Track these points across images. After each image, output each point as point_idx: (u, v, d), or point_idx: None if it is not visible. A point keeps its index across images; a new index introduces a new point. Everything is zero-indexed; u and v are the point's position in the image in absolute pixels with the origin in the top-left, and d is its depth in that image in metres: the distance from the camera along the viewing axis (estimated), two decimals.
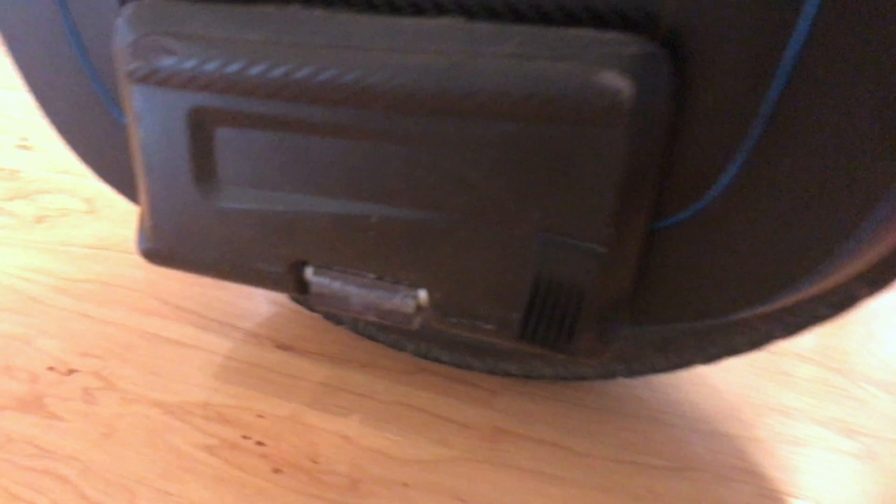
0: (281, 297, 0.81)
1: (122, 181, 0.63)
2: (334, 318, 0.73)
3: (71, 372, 0.71)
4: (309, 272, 0.55)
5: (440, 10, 0.43)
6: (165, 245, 0.57)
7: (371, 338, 0.72)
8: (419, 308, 0.53)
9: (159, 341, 0.74)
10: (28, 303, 0.79)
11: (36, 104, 0.66)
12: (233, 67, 0.46)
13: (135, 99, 0.51)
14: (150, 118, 0.51)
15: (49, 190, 1.02)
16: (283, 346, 0.74)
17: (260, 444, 0.65)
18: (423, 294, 0.52)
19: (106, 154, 0.62)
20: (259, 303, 0.78)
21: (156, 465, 0.63)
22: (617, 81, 0.38)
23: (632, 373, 0.65)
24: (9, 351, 0.73)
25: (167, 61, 0.48)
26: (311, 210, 0.51)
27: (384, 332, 0.71)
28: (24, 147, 1.15)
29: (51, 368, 0.71)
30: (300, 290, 0.56)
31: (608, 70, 0.38)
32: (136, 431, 0.66)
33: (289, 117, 0.47)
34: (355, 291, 0.53)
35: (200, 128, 0.50)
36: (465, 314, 0.50)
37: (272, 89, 0.46)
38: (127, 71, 0.50)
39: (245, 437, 0.65)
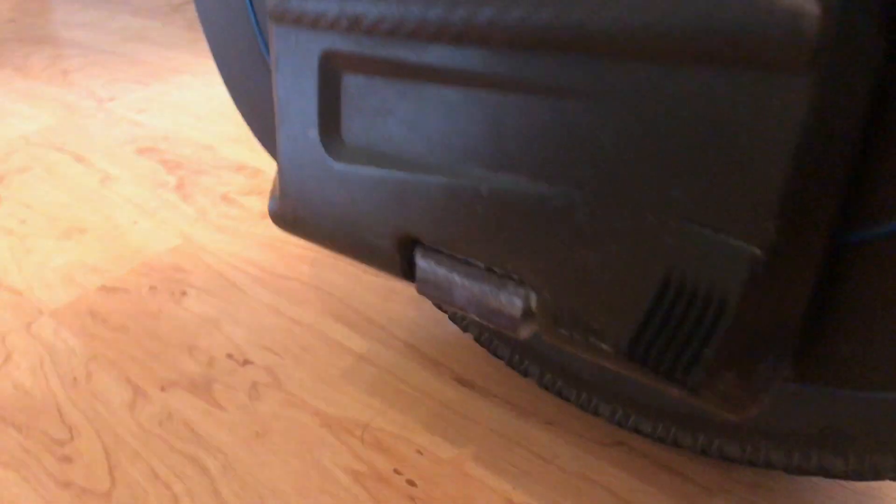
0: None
1: (268, 135, 0.60)
2: (521, 368, 0.62)
3: (246, 363, 0.67)
4: (419, 255, 0.47)
5: None
6: (290, 207, 0.53)
7: (559, 394, 0.59)
8: (528, 312, 0.42)
9: (339, 350, 0.68)
10: (230, 290, 0.77)
11: (215, 63, 0.66)
12: (363, 5, 0.42)
13: (275, 41, 0.48)
14: (285, 62, 0.48)
15: None
16: (463, 382, 0.64)
17: (411, 483, 0.55)
18: (533, 295, 0.42)
19: (257, 104, 0.60)
20: (449, 331, 0.70)
21: (296, 479, 0.56)
22: (800, 1, 0.26)
23: None
24: (198, 331, 0.72)
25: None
26: (423, 177, 0.44)
27: (575, 388, 0.58)
28: None
29: (229, 356, 0.68)
30: (408, 275, 0.48)
31: None
32: (289, 438, 0.59)
33: (410, 61, 0.42)
34: (460, 281, 0.45)
35: (330, 74, 0.46)
36: (578, 324, 0.39)
37: (401, 28, 0.40)
38: (268, 10, 0.48)
39: (397, 472, 0.56)
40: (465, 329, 0.65)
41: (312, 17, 0.45)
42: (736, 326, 0.33)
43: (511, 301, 0.43)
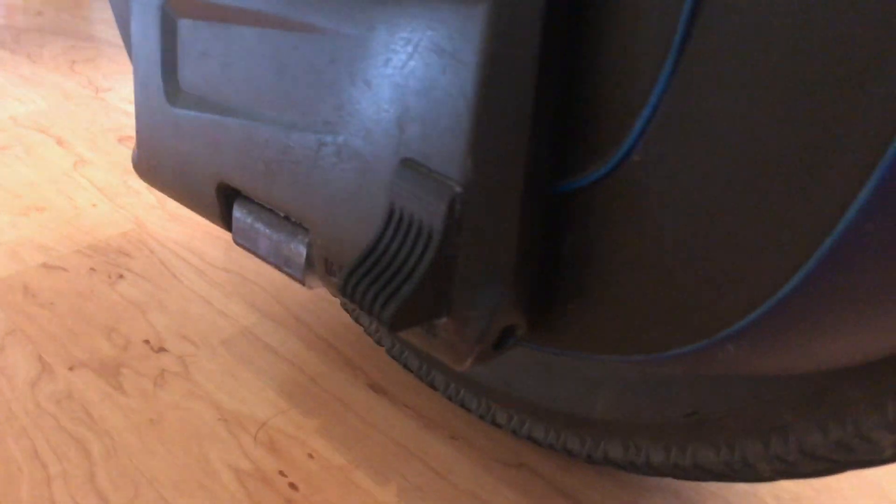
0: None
1: None
2: (428, 379, 0.58)
3: (160, 350, 0.65)
4: (236, 205, 0.47)
5: None
6: (145, 157, 0.52)
7: (462, 405, 0.56)
8: (309, 259, 0.43)
9: (259, 346, 0.65)
10: (166, 277, 0.75)
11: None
12: None
13: None
14: (137, 7, 0.49)
15: None
16: (376, 388, 0.61)
17: (293, 486, 0.52)
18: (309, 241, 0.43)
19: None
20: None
21: (177, 471, 0.53)
22: None
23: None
24: (123, 315, 0.70)
25: None
26: (231, 120, 0.44)
27: (475, 395, 0.55)
28: None
29: (146, 342, 0.66)
30: (228, 224, 0.48)
31: None
32: (182, 429, 0.57)
33: (218, 1, 0.42)
34: (263, 230, 0.45)
35: (168, 19, 0.47)
36: (333, 266, 0.40)
37: None
38: None
39: (282, 474, 0.53)
40: (377, 342, 0.63)
41: None
42: (438, 263, 0.33)
43: (298, 249, 0.43)
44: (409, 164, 0.34)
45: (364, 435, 0.57)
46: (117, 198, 0.92)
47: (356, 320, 0.65)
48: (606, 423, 0.48)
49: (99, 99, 1.25)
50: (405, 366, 0.60)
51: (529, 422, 0.52)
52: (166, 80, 0.47)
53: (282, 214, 0.44)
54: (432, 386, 0.59)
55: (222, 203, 0.47)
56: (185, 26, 0.46)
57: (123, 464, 0.53)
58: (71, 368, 0.63)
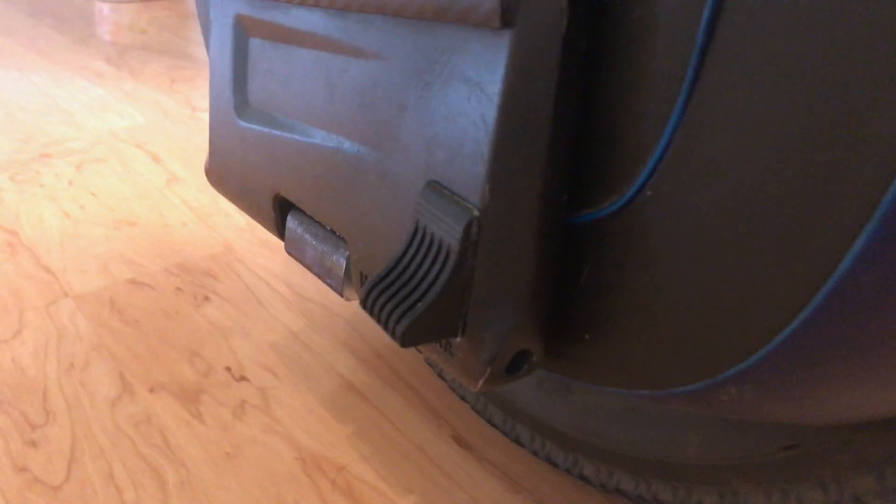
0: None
1: None
2: (513, 434, 0.55)
3: (241, 379, 0.63)
4: (290, 215, 0.50)
5: None
6: (216, 165, 0.54)
7: (549, 460, 0.53)
8: (348, 271, 0.44)
9: (341, 384, 0.63)
10: (252, 304, 0.74)
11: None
12: None
13: (211, 5, 0.51)
14: (216, 25, 0.51)
15: None
16: (461, 441, 0.58)
17: None
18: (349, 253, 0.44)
19: None
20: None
21: None
22: None
23: None
24: (206, 339, 0.68)
25: None
26: (287, 135, 0.46)
27: (562, 449, 0.52)
28: None
29: (227, 369, 0.65)
30: (282, 234, 0.51)
31: None
32: (259, 466, 0.54)
33: (281, 23, 0.44)
34: (310, 241, 0.47)
35: (240, 37, 0.49)
36: (365, 278, 0.42)
37: None
38: None
39: None
40: (461, 397, 0.60)
41: None
42: (454, 283, 0.34)
43: (339, 261, 0.44)
44: (433, 186, 0.35)
45: (446, 492, 0.53)
46: (208, 218, 0.92)
47: (439, 375, 0.62)
48: (699, 469, 0.45)
49: (195, 118, 1.27)
50: (489, 421, 0.58)
51: (618, 473, 0.49)
52: (236, 94, 0.50)
53: (328, 227, 0.46)
54: (518, 441, 0.56)
55: (278, 213, 0.50)
56: (254, 45, 0.48)
57: (198, 498, 0.51)
58: (151, 390, 0.62)
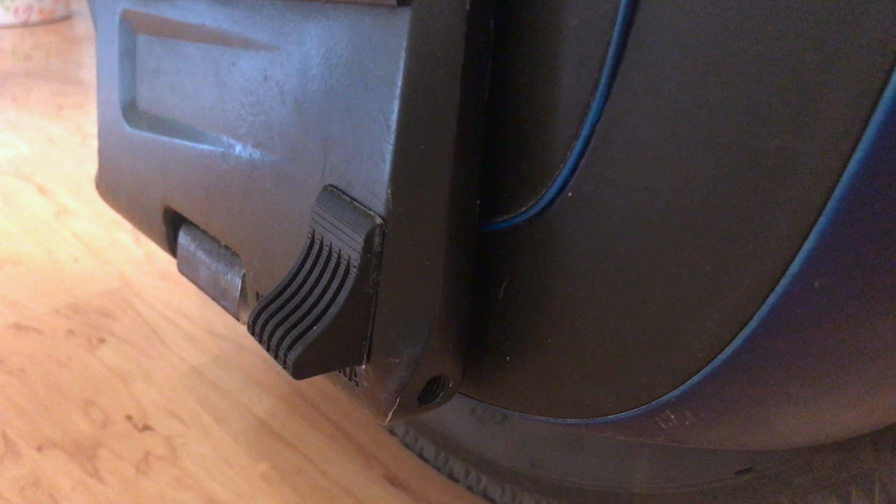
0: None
1: None
2: (446, 469, 0.51)
3: (145, 429, 0.57)
4: (182, 230, 0.45)
5: None
6: (105, 177, 0.50)
7: (485, 496, 0.49)
8: (244, 291, 0.39)
9: (257, 426, 0.58)
10: (154, 343, 0.68)
11: None
12: None
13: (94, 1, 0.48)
14: (101, 22, 0.47)
15: None
16: (394, 480, 0.53)
17: None
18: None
19: None
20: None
21: None
22: None
23: None
24: (103, 386, 0.61)
25: None
26: (175, 141, 0.42)
27: (500, 484, 0.48)
28: None
29: (128, 418, 0.58)
30: (174, 251, 0.46)
31: None
32: None
33: (168, 16, 0.40)
34: (204, 259, 0.42)
35: (127, 35, 0.45)
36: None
37: None
38: None
39: None
40: (390, 430, 0.55)
41: None
42: (354, 302, 0.29)
43: (234, 281, 0.40)
44: (331, 191, 0.31)
45: None
46: (102, 252, 0.84)
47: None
48: (646, 499, 0.42)
49: (87, 146, 1.18)
50: (421, 455, 0.53)
51: None
52: (124, 98, 0.45)
53: (222, 243, 0.41)
54: (452, 477, 0.52)
55: (169, 228, 0.45)
56: (142, 42, 0.44)
57: None
58: (40, 449, 0.54)
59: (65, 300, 0.74)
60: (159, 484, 0.52)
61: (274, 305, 0.32)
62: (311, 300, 0.31)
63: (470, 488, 0.51)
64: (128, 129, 0.45)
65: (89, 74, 1.65)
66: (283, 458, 0.54)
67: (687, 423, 0.27)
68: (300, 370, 0.30)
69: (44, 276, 0.79)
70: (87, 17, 2.36)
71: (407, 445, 0.55)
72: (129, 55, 0.45)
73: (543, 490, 0.47)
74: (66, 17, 2.38)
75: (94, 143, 1.20)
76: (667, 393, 0.26)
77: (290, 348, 0.30)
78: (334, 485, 0.52)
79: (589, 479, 0.45)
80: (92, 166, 1.10)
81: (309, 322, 0.30)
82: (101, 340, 0.68)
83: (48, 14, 2.30)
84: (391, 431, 0.56)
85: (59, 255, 0.83)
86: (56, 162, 1.11)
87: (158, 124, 0.43)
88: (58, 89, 1.51)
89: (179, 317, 0.72)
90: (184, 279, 0.78)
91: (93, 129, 1.27)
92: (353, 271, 0.30)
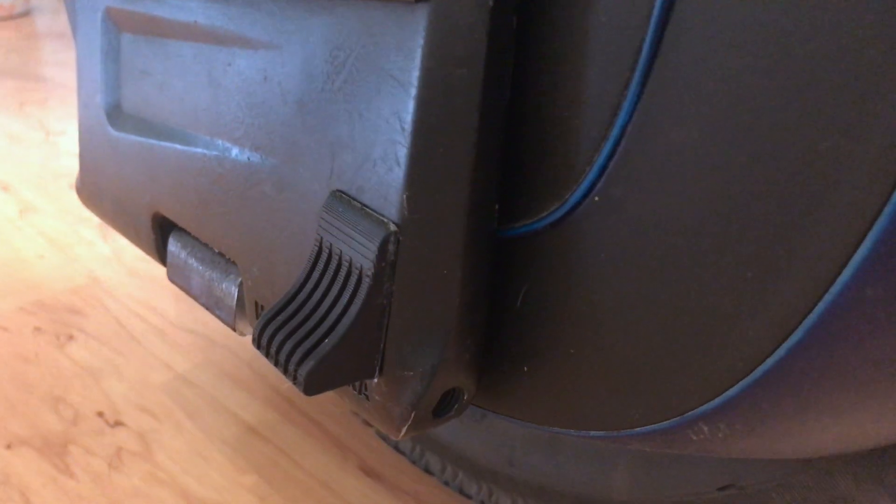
0: None
1: None
2: (422, 463, 0.52)
3: (117, 424, 0.56)
4: (171, 237, 0.44)
5: None
6: (86, 182, 0.49)
7: (461, 491, 0.49)
8: (241, 301, 0.39)
9: (230, 420, 0.57)
10: (123, 339, 0.67)
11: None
12: None
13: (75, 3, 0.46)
14: (82, 22, 0.45)
15: None
16: (369, 471, 0.53)
17: None
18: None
19: None
20: None
21: None
22: None
23: None
24: (73, 383, 0.61)
25: None
26: (165, 145, 0.41)
27: (476, 480, 0.49)
28: None
29: (99, 414, 0.57)
30: (163, 258, 0.45)
31: None
32: None
33: (157, 14, 0.39)
34: (196, 267, 0.41)
35: (111, 34, 0.44)
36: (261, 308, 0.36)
37: None
38: None
39: None
40: (365, 422, 0.56)
41: None
42: (368, 313, 0.28)
43: (229, 290, 0.39)
44: (340, 197, 0.30)
45: None
46: (68, 249, 0.83)
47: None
48: None
49: (50, 143, 1.16)
50: (396, 448, 0.53)
51: None
52: (108, 100, 0.44)
53: (216, 250, 0.40)
54: (428, 471, 0.52)
55: (158, 235, 0.44)
56: (127, 42, 0.42)
57: None
58: (9, 446, 0.54)
59: (31, 297, 0.73)
60: (133, 479, 0.51)
61: (281, 317, 0.31)
62: (320, 311, 0.30)
63: (446, 483, 0.51)
64: (112, 132, 0.44)
65: (51, 71, 1.63)
66: (258, 451, 0.54)
67: (720, 434, 0.26)
68: (312, 385, 0.29)
69: (9, 273, 0.77)
70: (47, 13, 2.32)
71: (382, 437, 0.55)
72: (112, 55, 0.43)
73: (520, 490, 0.47)
74: (26, 14, 2.34)
75: (58, 139, 1.18)
76: (701, 405, 0.26)
77: (300, 363, 0.29)
78: (310, 477, 0.53)
79: (567, 482, 0.45)
80: (56, 163, 1.08)
81: (319, 335, 0.29)
82: (70, 337, 0.67)
83: (7, 10, 2.26)
84: (366, 423, 0.56)
85: (24, 252, 0.82)
86: (18, 159, 1.09)
87: (145, 127, 0.42)
88: (19, 86, 1.48)
89: (149, 312, 0.71)
90: (152, 274, 0.77)
91: (56, 125, 1.25)
92: (366, 281, 0.29)
